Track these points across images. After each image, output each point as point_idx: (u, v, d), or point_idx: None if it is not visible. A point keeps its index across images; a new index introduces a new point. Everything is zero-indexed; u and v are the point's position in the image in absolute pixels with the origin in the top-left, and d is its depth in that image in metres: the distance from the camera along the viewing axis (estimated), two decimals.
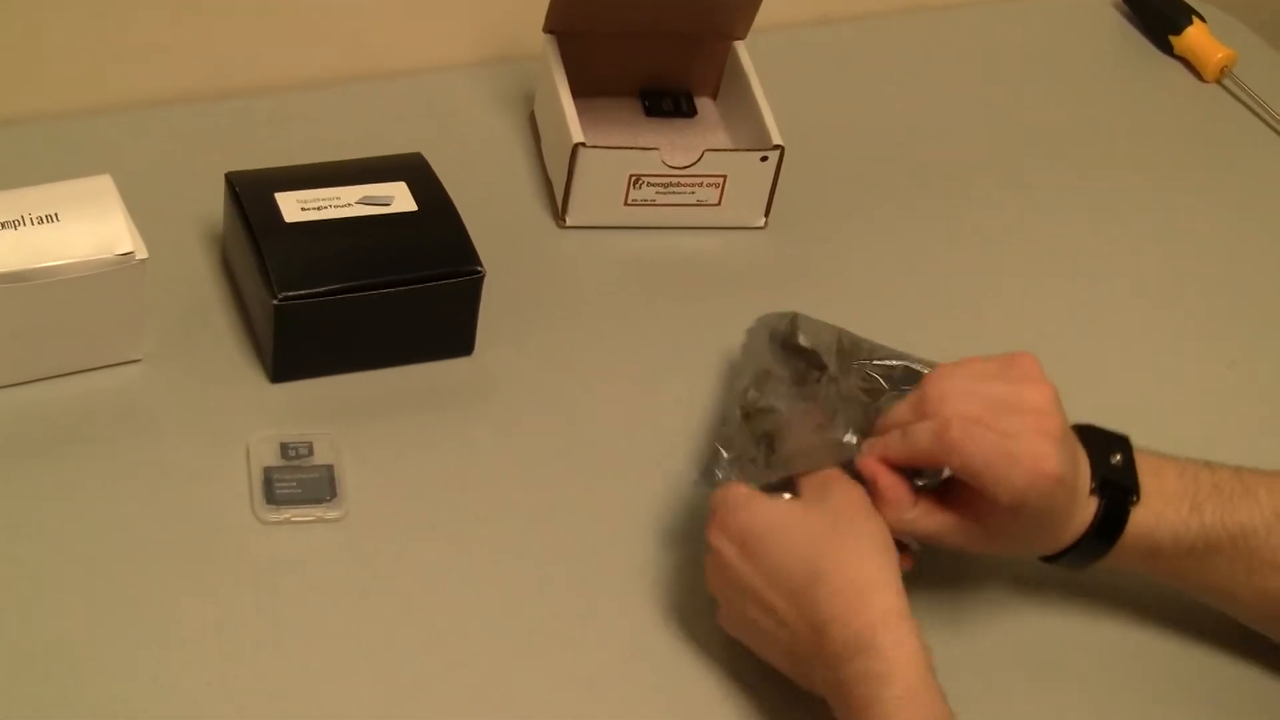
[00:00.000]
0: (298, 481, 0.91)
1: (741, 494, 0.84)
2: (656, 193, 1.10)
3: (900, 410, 0.85)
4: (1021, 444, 0.81)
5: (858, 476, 0.85)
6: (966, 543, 0.86)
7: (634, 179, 1.09)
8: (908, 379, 0.91)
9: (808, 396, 0.91)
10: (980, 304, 1.12)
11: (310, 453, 0.93)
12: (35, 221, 0.90)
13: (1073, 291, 1.15)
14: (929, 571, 0.87)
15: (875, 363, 0.93)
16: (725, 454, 0.88)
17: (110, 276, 0.91)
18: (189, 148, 1.11)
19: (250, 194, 0.99)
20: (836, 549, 0.81)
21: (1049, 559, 0.88)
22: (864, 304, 1.09)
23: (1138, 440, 0.88)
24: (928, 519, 0.85)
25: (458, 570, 0.90)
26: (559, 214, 1.11)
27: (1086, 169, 1.25)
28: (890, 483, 0.84)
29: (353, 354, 0.98)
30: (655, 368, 1.03)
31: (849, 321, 1.04)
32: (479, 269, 0.98)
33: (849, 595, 0.79)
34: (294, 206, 0.98)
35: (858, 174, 1.21)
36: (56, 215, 0.91)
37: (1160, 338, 1.12)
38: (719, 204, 1.12)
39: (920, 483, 0.85)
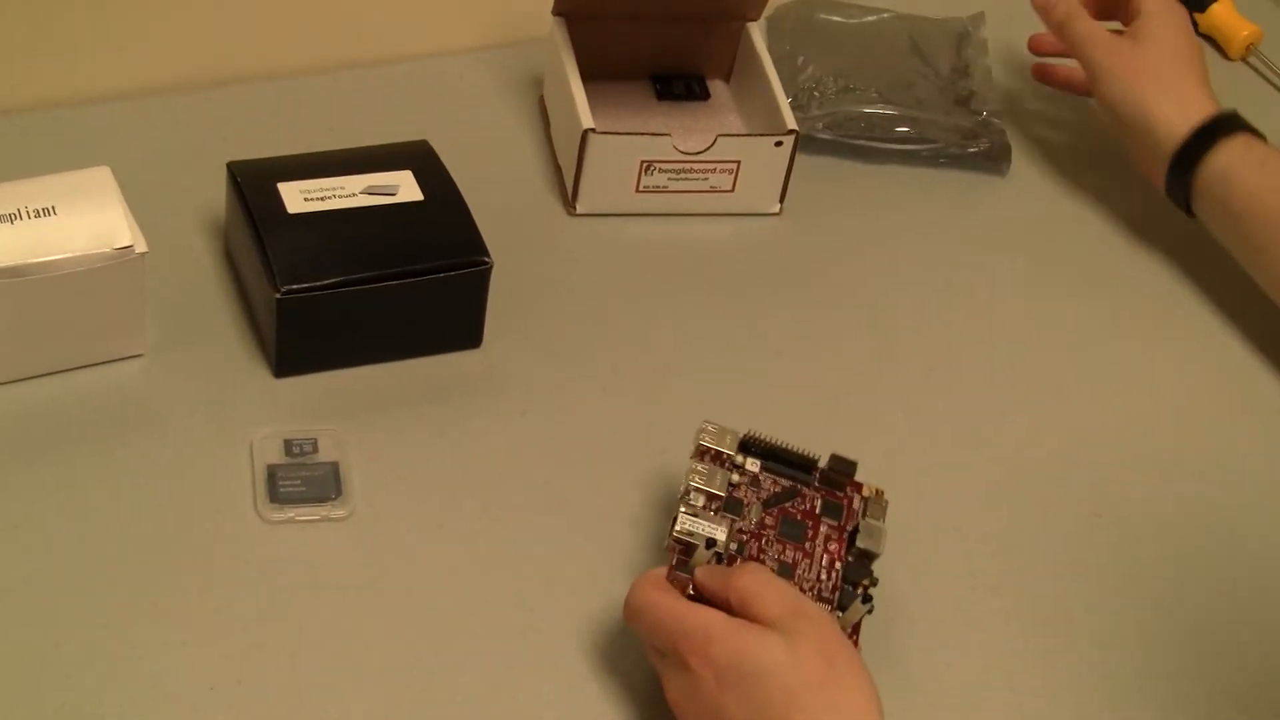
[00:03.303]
0: (302, 479, 0.90)
1: (725, 622, 0.79)
2: (668, 179, 1.08)
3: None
4: None
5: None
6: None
7: (645, 165, 1.07)
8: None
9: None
10: None
11: (315, 449, 0.91)
12: (32, 215, 0.89)
13: None
14: None
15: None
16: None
17: (109, 270, 0.90)
18: (189, 137, 1.09)
19: (252, 184, 0.97)
20: (827, 709, 0.77)
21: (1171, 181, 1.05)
22: (882, 292, 1.07)
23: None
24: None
25: (466, 569, 0.88)
26: (569, 201, 1.09)
27: (1109, 147, 1.23)
28: None
29: (358, 348, 0.96)
30: (669, 359, 1.01)
31: (866, 307, 1.02)
32: (487, 260, 0.96)
33: None
34: (297, 197, 0.96)
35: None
36: (54, 208, 0.89)
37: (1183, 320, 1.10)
38: (732, 190, 1.10)
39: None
